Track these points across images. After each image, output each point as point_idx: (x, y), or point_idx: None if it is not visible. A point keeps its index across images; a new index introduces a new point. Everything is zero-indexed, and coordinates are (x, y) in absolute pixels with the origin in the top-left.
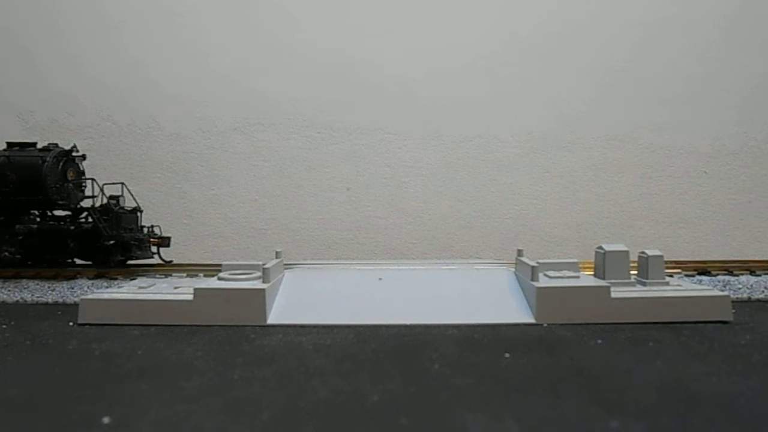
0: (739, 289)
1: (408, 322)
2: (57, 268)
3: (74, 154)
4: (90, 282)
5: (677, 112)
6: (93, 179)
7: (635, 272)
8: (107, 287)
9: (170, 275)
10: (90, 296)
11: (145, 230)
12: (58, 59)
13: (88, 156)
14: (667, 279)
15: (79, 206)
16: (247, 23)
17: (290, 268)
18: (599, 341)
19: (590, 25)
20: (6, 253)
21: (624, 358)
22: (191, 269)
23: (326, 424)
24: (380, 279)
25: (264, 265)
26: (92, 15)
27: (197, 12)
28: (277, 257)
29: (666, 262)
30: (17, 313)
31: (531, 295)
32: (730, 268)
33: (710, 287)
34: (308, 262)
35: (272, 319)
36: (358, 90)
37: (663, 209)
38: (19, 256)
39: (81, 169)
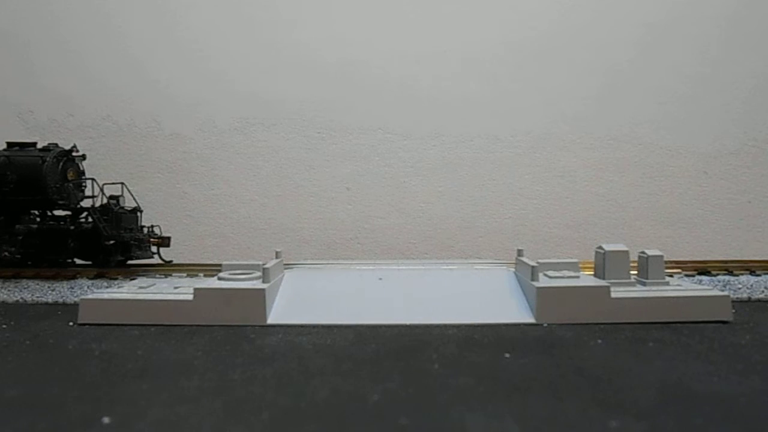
0: (739, 289)
1: (408, 322)
2: (57, 268)
3: (74, 154)
4: (90, 282)
5: (677, 112)
6: (93, 179)
7: (635, 272)
8: (107, 287)
9: (170, 275)
10: (90, 296)
11: (145, 230)
12: (58, 59)
13: (88, 156)
14: (667, 279)
15: (79, 206)
16: (247, 23)
17: (290, 268)
18: (599, 341)
19: (590, 25)
20: (6, 253)
21: (624, 358)
22: (191, 269)
23: (326, 424)
24: (380, 279)
25: (264, 265)
26: (92, 15)
27: (197, 12)
28: (277, 257)
29: (666, 262)
30: (17, 313)
31: (531, 295)
32: (730, 268)
33: (710, 287)
34: (308, 262)
35: (272, 319)
36: (358, 90)
37: (663, 209)
38: (19, 256)
39: (81, 169)
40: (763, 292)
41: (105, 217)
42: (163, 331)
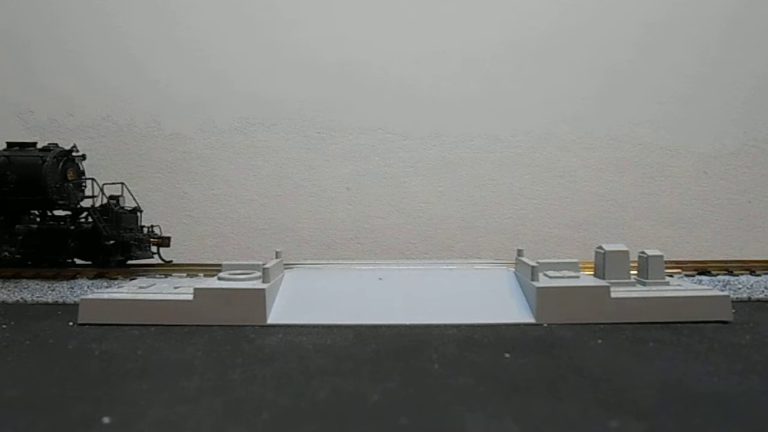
0: (739, 289)
1: (408, 322)
2: (57, 268)
3: (74, 154)
4: (90, 282)
5: (677, 112)
6: (93, 179)
7: (635, 272)
8: (107, 287)
9: (170, 275)
10: (90, 296)
11: (145, 230)
12: (58, 59)
13: (88, 156)
14: (667, 279)
15: (79, 206)
16: (247, 23)
17: (290, 268)
18: (599, 341)
19: (590, 25)
20: (6, 253)
21: (624, 358)
22: (191, 269)
23: (326, 424)
24: (380, 279)
25: (264, 265)
26: (92, 15)
27: (197, 12)
28: (277, 257)
29: (666, 262)
30: (17, 313)
31: (531, 295)
32: (730, 268)
33: (710, 287)
34: (308, 262)
35: (272, 319)
36: (358, 90)
37: (663, 209)
38: (19, 256)
39: (81, 169)
40: (763, 292)
41: (105, 217)
42: (163, 331)
